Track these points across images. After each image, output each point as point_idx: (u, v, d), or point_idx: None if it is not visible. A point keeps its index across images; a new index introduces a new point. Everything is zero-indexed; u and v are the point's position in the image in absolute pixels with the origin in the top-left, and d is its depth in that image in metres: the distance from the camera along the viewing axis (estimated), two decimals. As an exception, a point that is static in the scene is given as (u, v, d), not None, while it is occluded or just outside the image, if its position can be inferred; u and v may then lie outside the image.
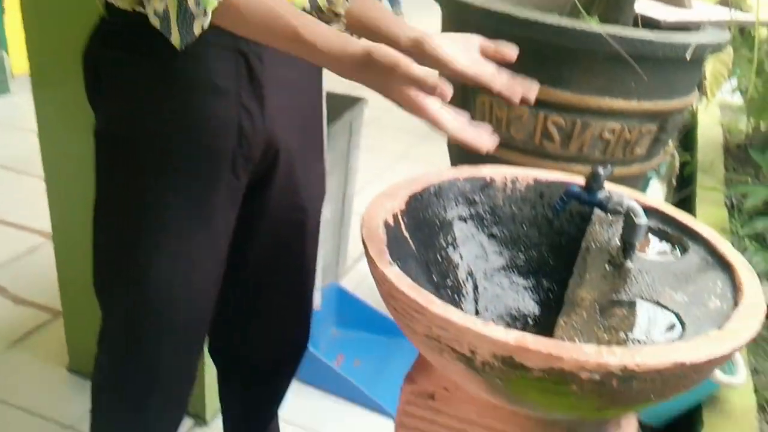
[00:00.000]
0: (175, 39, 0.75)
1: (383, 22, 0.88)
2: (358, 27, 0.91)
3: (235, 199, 0.92)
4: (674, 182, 2.55)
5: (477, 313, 0.92)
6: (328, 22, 0.89)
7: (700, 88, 1.92)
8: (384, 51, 0.70)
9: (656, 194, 2.32)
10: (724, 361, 0.69)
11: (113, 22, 0.83)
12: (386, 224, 0.81)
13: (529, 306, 0.95)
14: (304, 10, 0.81)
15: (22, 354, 1.70)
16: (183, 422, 1.50)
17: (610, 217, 0.93)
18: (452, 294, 0.89)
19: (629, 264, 0.86)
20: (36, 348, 1.72)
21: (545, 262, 0.97)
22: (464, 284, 0.92)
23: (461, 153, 1.29)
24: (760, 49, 2.35)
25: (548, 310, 0.92)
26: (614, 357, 0.62)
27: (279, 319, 1.09)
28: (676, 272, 0.85)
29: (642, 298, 0.80)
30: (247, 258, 1.01)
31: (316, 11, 0.90)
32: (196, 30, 0.74)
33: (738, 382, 1.50)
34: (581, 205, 0.89)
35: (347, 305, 1.86)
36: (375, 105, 1.66)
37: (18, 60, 3.18)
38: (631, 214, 0.83)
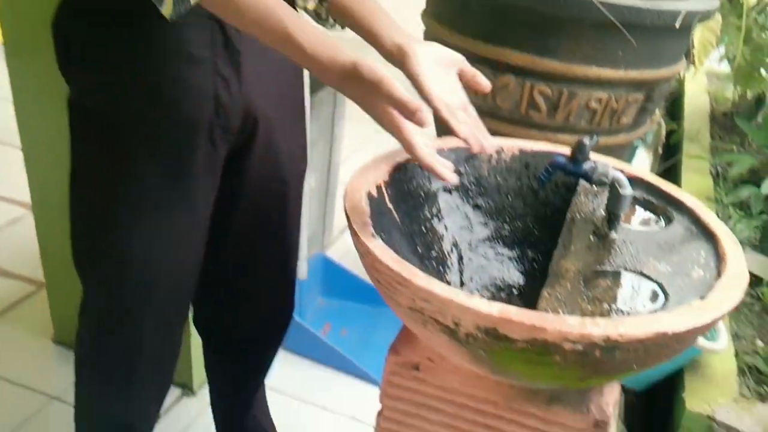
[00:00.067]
0: (167, 8, 0.72)
1: (372, 18, 0.85)
2: (343, 15, 0.88)
3: (214, 170, 0.90)
4: (660, 151, 2.56)
5: (462, 284, 0.92)
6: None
7: (688, 56, 1.91)
8: (370, 66, 0.70)
9: (642, 163, 2.32)
10: (706, 330, 0.69)
11: None
12: (369, 196, 0.80)
13: (514, 276, 0.95)
14: None
15: (6, 326, 1.69)
16: (170, 392, 1.52)
17: (595, 188, 0.93)
18: (437, 265, 0.89)
19: (614, 235, 0.86)
20: (20, 320, 1.71)
21: (530, 232, 0.97)
22: (449, 255, 0.92)
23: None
24: (748, 17, 2.34)
25: (533, 281, 0.92)
26: (597, 328, 0.62)
27: (263, 292, 1.09)
28: (660, 242, 0.85)
29: (626, 268, 0.81)
30: (229, 231, 1.00)
31: None
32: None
33: (719, 347, 1.53)
34: (567, 176, 0.88)
35: (333, 275, 1.86)
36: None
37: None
38: (617, 185, 0.83)
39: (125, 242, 0.88)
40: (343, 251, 1.98)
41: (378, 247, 0.71)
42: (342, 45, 0.73)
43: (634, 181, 0.90)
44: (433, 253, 0.89)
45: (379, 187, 0.83)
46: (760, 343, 1.72)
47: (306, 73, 1.06)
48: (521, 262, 0.96)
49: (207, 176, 0.89)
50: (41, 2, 0.97)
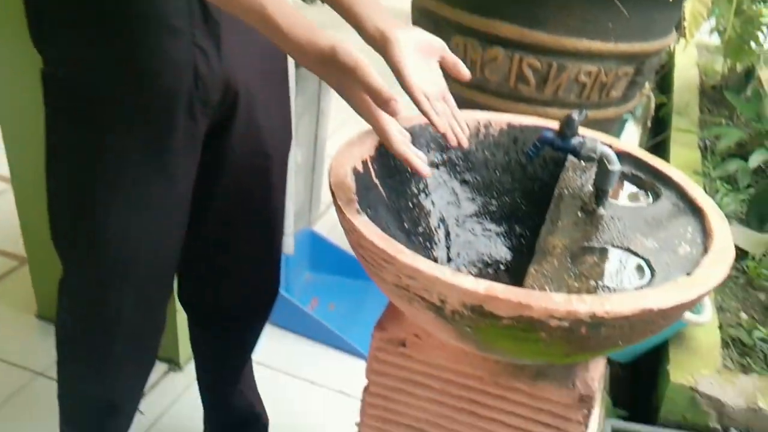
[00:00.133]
0: None
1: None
2: None
3: (194, 145, 0.88)
4: (649, 124, 2.55)
5: (449, 260, 0.91)
6: None
7: (679, 28, 1.89)
8: (347, 51, 0.68)
9: (632, 137, 2.32)
10: (692, 306, 0.69)
11: None
12: (355, 171, 0.79)
13: (502, 252, 0.95)
14: None
15: (-11, 302, 1.68)
16: (157, 367, 1.52)
17: (583, 163, 0.92)
18: (424, 241, 0.89)
19: (601, 210, 0.85)
20: (3, 296, 1.70)
21: (518, 208, 0.96)
22: (436, 231, 0.91)
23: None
24: (740, -12, 2.32)
25: (520, 256, 0.92)
26: (583, 305, 0.62)
27: (245, 268, 1.08)
28: (648, 218, 0.85)
29: (613, 245, 0.80)
30: (210, 207, 0.98)
31: None
32: None
33: (704, 320, 1.54)
34: (555, 151, 0.87)
35: (321, 249, 1.85)
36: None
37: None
38: (605, 161, 0.82)
39: (103, 219, 0.86)
40: (330, 226, 1.97)
41: (363, 223, 0.70)
42: (321, 30, 0.71)
43: (623, 156, 0.89)
44: (420, 229, 0.89)
45: (365, 162, 0.82)
46: (744, 315, 1.74)
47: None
48: (509, 237, 0.96)
49: (187, 151, 0.87)
50: (13, -30, 0.93)
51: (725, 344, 1.63)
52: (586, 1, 1.34)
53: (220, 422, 1.31)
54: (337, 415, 1.47)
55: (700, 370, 1.53)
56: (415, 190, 0.90)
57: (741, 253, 1.87)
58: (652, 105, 2.49)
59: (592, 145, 0.83)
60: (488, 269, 0.93)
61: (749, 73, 2.71)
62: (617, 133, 2.10)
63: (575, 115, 0.83)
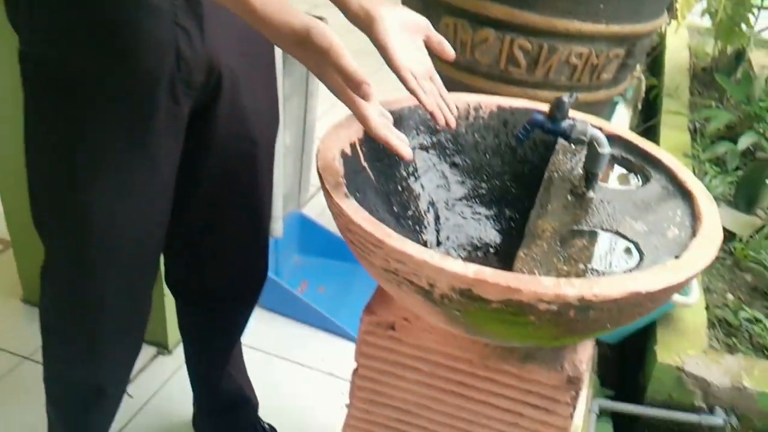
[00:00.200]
0: None
1: None
2: None
3: (177, 128, 0.87)
4: (640, 107, 2.55)
5: (438, 243, 0.91)
6: None
7: (670, 10, 1.88)
8: (322, 32, 0.67)
9: (622, 119, 2.32)
10: (680, 289, 0.70)
11: None
12: (343, 154, 0.78)
13: (491, 235, 0.95)
14: None
15: (-26, 287, 1.66)
16: (146, 351, 1.52)
17: (573, 146, 0.92)
18: (413, 225, 0.88)
19: (591, 194, 0.85)
20: (-11, 280, 1.68)
21: (508, 191, 0.96)
22: (425, 214, 0.90)
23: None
24: (732, -31, 2.31)
25: (510, 239, 0.92)
26: (572, 288, 0.62)
27: (234, 253, 1.07)
28: (637, 201, 0.84)
29: (602, 228, 0.80)
30: (194, 193, 0.97)
31: None
32: None
33: (691, 301, 1.56)
34: (545, 134, 0.87)
35: (310, 232, 1.85)
36: (335, 25, 1.59)
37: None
38: (595, 144, 0.82)
39: (84, 203, 0.85)
40: (320, 209, 1.96)
41: (351, 207, 0.69)
42: (298, 11, 0.70)
43: (613, 139, 0.89)
44: (410, 213, 0.88)
45: (353, 145, 0.81)
46: (730, 296, 1.76)
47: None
48: (498, 220, 0.95)
49: (170, 133, 0.86)
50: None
51: (712, 325, 1.65)
52: (578, -18, 1.33)
53: (210, 405, 1.31)
54: (327, 398, 1.48)
55: (687, 351, 1.55)
56: (405, 174, 0.89)
57: (728, 235, 1.88)
58: (643, 87, 2.49)
59: (582, 128, 0.82)
60: (477, 252, 0.93)
61: (739, 56, 2.70)
62: (608, 116, 2.09)
63: (565, 97, 0.82)
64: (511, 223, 0.95)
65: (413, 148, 0.90)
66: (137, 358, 1.06)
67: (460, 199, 0.94)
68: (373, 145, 0.84)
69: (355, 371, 0.88)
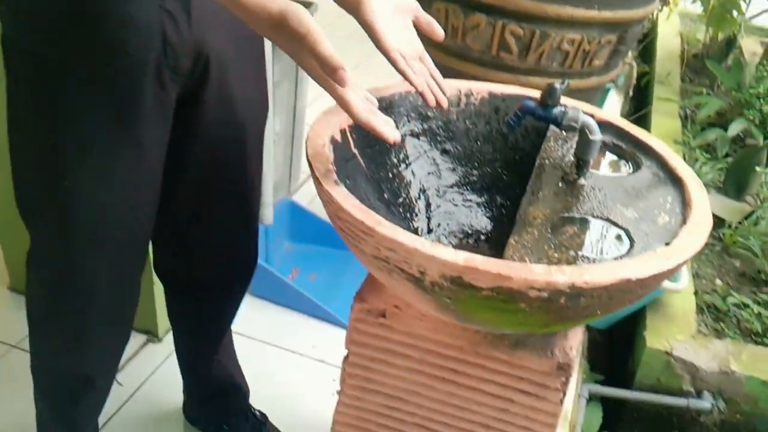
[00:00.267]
0: None
1: None
2: None
3: (165, 114, 0.85)
4: (631, 93, 2.55)
5: (429, 230, 0.91)
6: None
7: (662, -4, 1.87)
8: (298, 17, 0.65)
9: (614, 106, 2.32)
10: (670, 276, 0.70)
11: None
12: (333, 141, 0.78)
13: (482, 222, 0.94)
14: None
15: (-39, 275, 1.64)
16: (135, 339, 1.51)
17: (564, 133, 0.91)
18: (404, 212, 0.88)
19: (582, 181, 0.85)
20: (-25, 268, 1.66)
21: (499, 178, 0.95)
22: (416, 201, 0.90)
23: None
24: (724, -44, 2.30)
25: (501, 226, 0.92)
26: (563, 275, 0.62)
27: (223, 241, 1.06)
28: (628, 188, 0.84)
29: (593, 215, 0.80)
30: (184, 179, 0.96)
31: None
32: None
33: (681, 287, 1.57)
34: (537, 121, 0.86)
35: (300, 219, 1.84)
36: (326, 10, 1.57)
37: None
38: (586, 130, 0.82)
39: (70, 189, 0.83)
40: (310, 196, 1.96)
41: (341, 194, 0.68)
42: None
43: (604, 126, 0.88)
44: (401, 200, 0.88)
45: (343, 132, 0.80)
46: (719, 282, 1.77)
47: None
48: (489, 207, 0.95)
49: (157, 120, 0.85)
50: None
51: (700, 310, 1.67)
52: (570, -33, 1.32)
53: (200, 392, 1.31)
54: (318, 384, 1.48)
55: (676, 336, 1.56)
56: (395, 161, 0.88)
57: (718, 221, 1.89)
58: (634, 74, 2.49)
59: (573, 115, 0.82)
60: (468, 240, 0.93)
61: (731, 42, 2.71)
62: (599, 103, 2.09)
63: (557, 84, 0.82)
64: (502, 210, 0.95)
65: (404, 135, 0.90)
66: (126, 347, 1.06)
67: (451, 186, 0.94)
68: (363, 131, 0.83)
69: (346, 358, 0.88)
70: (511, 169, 0.95)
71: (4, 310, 1.57)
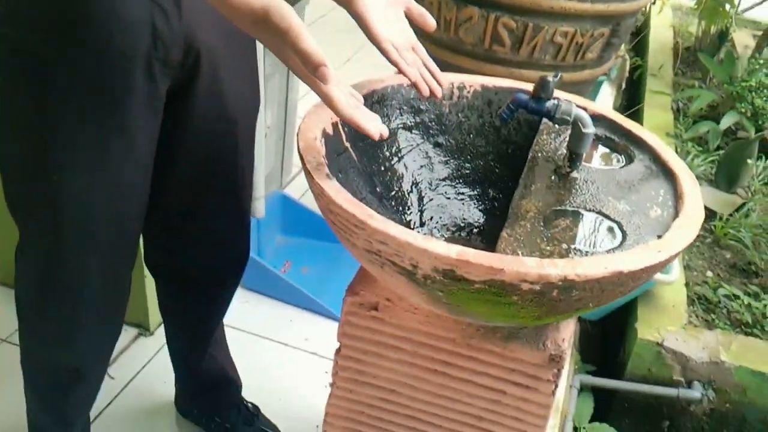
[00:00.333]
0: None
1: None
2: None
3: (155, 108, 0.85)
4: (624, 86, 2.55)
5: (422, 224, 0.90)
6: None
7: (655, -12, 1.87)
8: (280, 13, 0.64)
9: (606, 99, 2.32)
10: (662, 268, 0.70)
11: None
12: (325, 134, 0.77)
13: (475, 216, 0.94)
14: None
15: (-50, 268, 1.63)
16: (127, 332, 1.51)
17: (557, 126, 0.91)
18: (396, 205, 0.87)
19: (575, 174, 0.85)
20: (-36, 262, 1.65)
21: (492, 171, 0.95)
22: (409, 195, 0.90)
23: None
24: (717, -52, 2.30)
25: (494, 220, 0.92)
26: (555, 268, 0.62)
27: (214, 235, 1.05)
28: (620, 181, 0.85)
29: (586, 208, 0.80)
30: (174, 174, 0.95)
31: None
32: None
33: (672, 279, 1.58)
34: (529, 114, 0.86)
35: (292, 213, 1.84)
36: (319, 3, 1.56)
37: None
38: (579, 123, 0.81)
39: (60, 182, 0.83)
40: (302, 189, 1.95)
41: (332, 188, 0.68)
42: None
43: (597, 119, 0.89)
44: (393, 193, 0.88)
45: (335, 125, 0.80)
46: (710, 273, 1.78)
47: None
48: (482, 201, 0.95)
49: (147, 113, 0.84)
50: None
51: (691, 302, 1.68)
52: (563, -41, 1.31)
53: (192, 386, 1.31)
54: (310, 377, 1.48)
55: (667, 327, 1.57)
56: (388, 154, 0.88)
57: (709, 213, 1.90)
58: (627, 67, 2.49)
59: (566, 108, 0.82)
60: (461, 233, 0.93)
61: (723, 35, 2.71)
62: (592, 96, 2.09)
63: (550, 77, 0.81)
64: (494, 203, 0.95)
65: (396, 128, 0.90)
66: (117, 341, 1.05)
67: (444, 180, 0.94)
68: (355, 124, 0.83)
69: (338, 351, 0.88)
70: (503, 162, 0.95)
71: (-6, 303, 1.56)
